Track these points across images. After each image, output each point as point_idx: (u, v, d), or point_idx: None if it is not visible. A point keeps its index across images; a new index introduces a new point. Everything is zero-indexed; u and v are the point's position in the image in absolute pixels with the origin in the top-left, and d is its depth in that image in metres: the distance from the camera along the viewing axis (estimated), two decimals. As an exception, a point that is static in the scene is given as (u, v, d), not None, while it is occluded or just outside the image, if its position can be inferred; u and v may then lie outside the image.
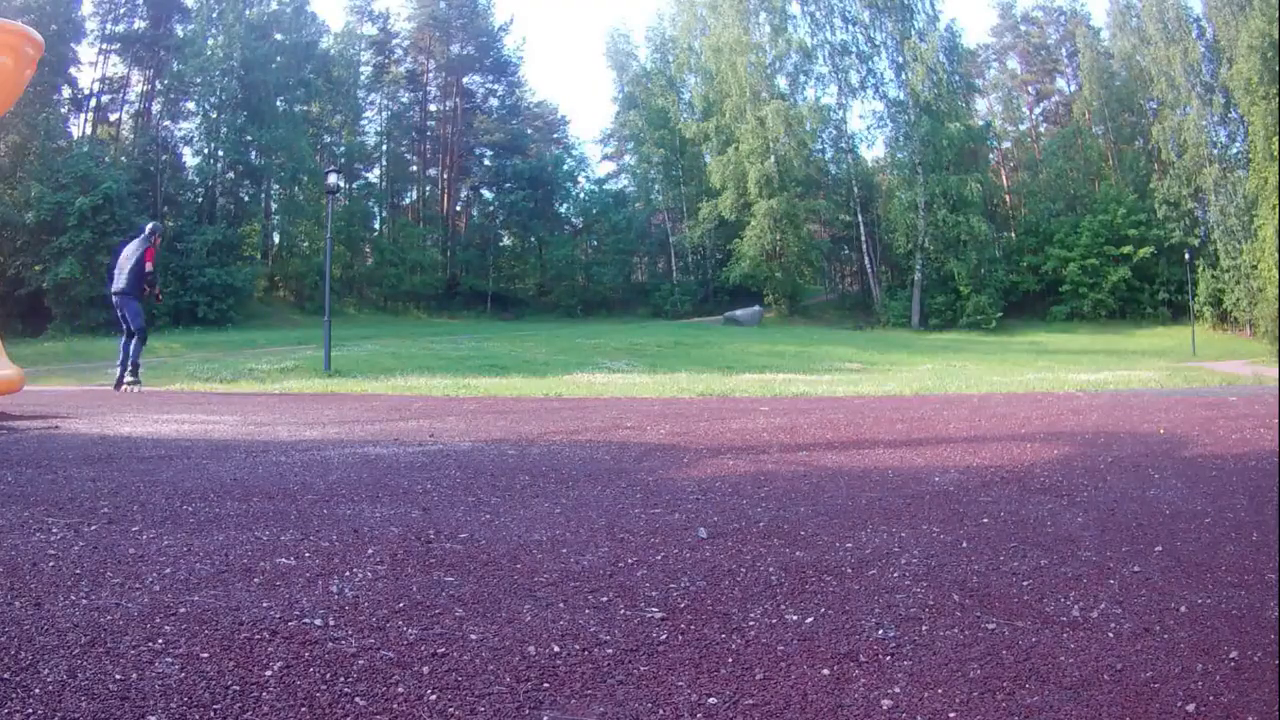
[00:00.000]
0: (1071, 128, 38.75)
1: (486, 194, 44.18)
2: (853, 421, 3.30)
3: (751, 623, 1.00)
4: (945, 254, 34.75)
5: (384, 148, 42.26)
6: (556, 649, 0.91)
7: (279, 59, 33.74)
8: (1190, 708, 0.77)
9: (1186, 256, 31.23)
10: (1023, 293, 36.01)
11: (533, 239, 41.87)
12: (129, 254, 8.22)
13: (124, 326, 8.24)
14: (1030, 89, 43.83)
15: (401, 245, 39.07)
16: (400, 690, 0.81)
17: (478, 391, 5.84)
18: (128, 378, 8.14)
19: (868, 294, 38.44)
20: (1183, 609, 1.03)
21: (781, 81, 38.13)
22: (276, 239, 37.17)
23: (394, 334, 25.32)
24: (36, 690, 0.80)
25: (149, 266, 8.20)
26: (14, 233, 27.63)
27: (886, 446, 2.54)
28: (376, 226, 41.32)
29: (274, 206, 36.63)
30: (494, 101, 45.28)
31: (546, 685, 0.82)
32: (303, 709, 0.77)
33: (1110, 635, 0.95)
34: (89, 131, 33.32)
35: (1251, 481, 1.86)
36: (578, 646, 0.92)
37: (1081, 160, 38.00)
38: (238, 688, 0.81)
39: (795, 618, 1.01)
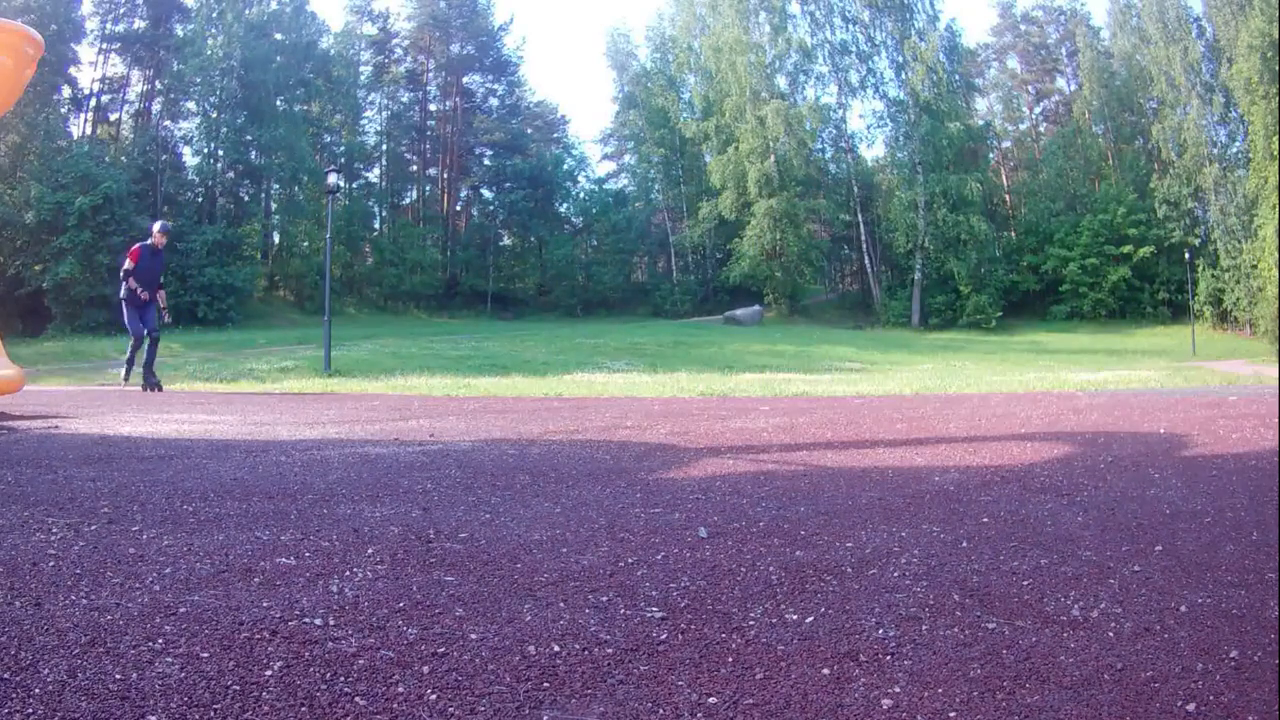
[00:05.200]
0: (1071, 127, 38.72)
1: (486, 194, 44.19)
2: (853, 421, 3.30)
3: (751, 622, 1.00)
4: (945, 254, 34.74)
5: (384, 147, 42.26)
6: (556, 649, 0.91)
7: (279, 59, 33.72)
8: (1190, 708, 0.77)
9: (1186, 256, 31.21)
10: (1023, 292, 36.00)
11: (533, 239, 41.86)
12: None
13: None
14: (1030, 89, 43.81)
15: (401, 245, 39.08)
16: (400, 690, 0.81)
17: (478, 391, 5.84)
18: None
19: (868, 294, 38.43)
20: (1183, 609, 1.03)
21: (781, 81, 38.14)
22: (276, 239, 37.16)
23: (394, 334, 25.31)
24: (36, 690, 0.80)
25: (126, 264, 8.11)
26: (14, 233, 27.63)
27: (886, 446, 2.54)
28: (376, 226, 41.33)
29: (274, 206, 36.62)
30: (494, 101, 45.29)
31: (546, 685, 0.82)
32: (303, 709, 0.77)
33: (1110, 635, 0.95)
34: (89, 131, 33.31)
35: (1251, 481, 1.86)
36: (578, 646, 0.92)
37: (1081, 160, 37.98)
38: (238, 688, 0.81)
39: (795, 617, 1.01)
